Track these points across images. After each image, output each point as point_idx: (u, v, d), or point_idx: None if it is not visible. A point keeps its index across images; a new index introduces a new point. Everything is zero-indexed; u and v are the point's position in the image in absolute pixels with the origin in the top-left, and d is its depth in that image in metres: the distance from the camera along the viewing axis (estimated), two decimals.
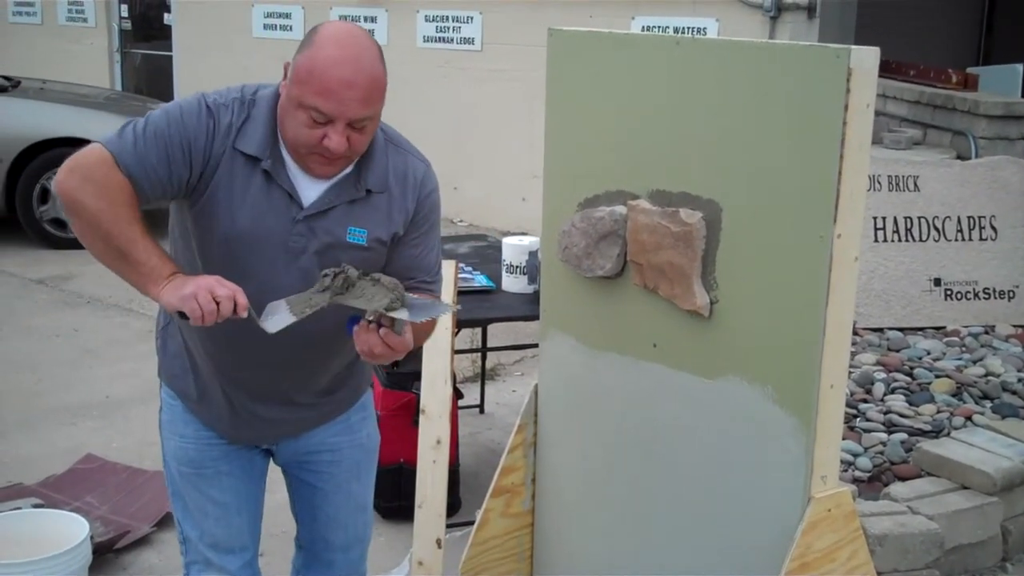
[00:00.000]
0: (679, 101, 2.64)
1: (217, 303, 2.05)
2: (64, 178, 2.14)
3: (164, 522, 3.72)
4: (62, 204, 2.18)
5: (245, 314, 2.10)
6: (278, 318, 2.14)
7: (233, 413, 2.41)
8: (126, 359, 5.46)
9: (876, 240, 5.11)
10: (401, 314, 2.15)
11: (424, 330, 2.36)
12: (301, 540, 2.67)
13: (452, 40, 9.01)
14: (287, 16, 10.16)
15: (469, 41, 8.90)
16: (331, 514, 2.63)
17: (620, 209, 2.81)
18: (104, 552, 3.39)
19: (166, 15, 11.48)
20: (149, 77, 12.14)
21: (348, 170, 2.29)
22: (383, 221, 2.35)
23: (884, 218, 5.17)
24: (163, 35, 11.60)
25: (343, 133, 2.16)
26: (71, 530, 2.91)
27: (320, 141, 2.16)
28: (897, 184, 5.27)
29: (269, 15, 10.29)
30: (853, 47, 2.29)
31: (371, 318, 2.13)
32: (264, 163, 2.22)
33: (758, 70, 2.46)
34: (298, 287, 2.22)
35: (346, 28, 2.23)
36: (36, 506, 3.57)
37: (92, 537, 2.93)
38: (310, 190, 2.27)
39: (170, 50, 11.32)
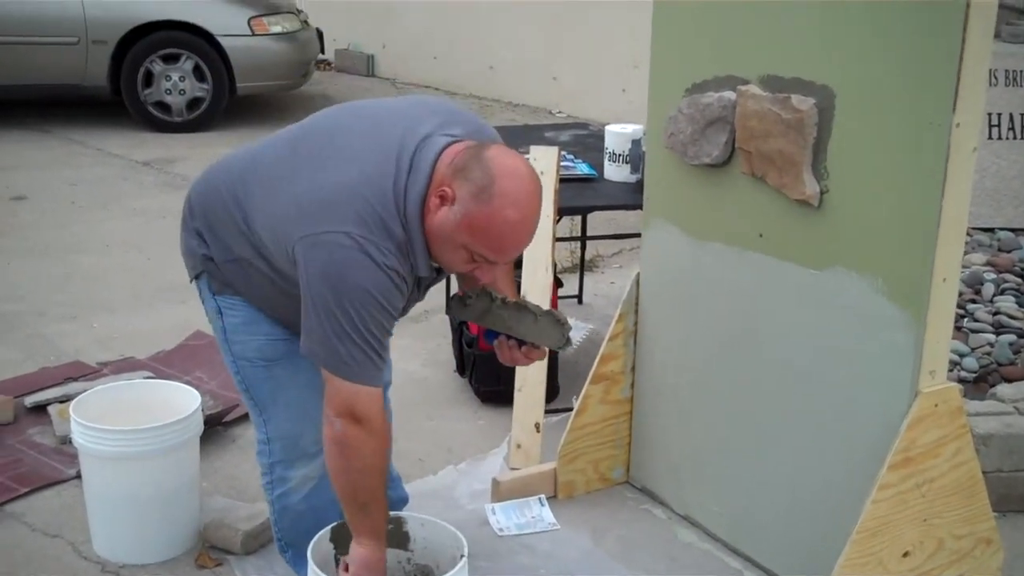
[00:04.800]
0: None
1: None
2: (351, 430, 2.20)
3: None
4: (335, 448, 2.24)
5: None
6: None
7: None
8: None
9: (990, 137, 4.94)
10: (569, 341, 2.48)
11: None
12: None
13: None
14: None
15: None
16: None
17: (729, 95, 2.76)
18: (214, 424, 3.49)
19: None
20: None
21: None
22: None
23: (999, 114, 4.99)
24: None
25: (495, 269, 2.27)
26: (183, 400, 2.99)
27: (471, 271, 2.24)
28: (1015, 79, 5.08)
29: None
30: None
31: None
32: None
33: None
34: None
35: (523, 183, 2.14)
36: (147, 379, 3.68)
37: (202, 409, 3.01)
38: None
39: None
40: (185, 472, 2.95)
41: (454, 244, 2.16)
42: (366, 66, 10.46)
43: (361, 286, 2.13)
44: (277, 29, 8.11)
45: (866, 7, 2.42)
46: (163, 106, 7.90)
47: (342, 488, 2.26)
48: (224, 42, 7.85)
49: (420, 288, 2.36)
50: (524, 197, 2.14)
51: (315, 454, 2.49)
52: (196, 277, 2.54)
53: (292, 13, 8.45)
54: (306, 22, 8.62)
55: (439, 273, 2.35)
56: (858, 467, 2.54)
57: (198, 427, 2.97)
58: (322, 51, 9.09)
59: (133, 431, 2.83)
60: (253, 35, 7.98)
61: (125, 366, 3.97)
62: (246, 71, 7.93)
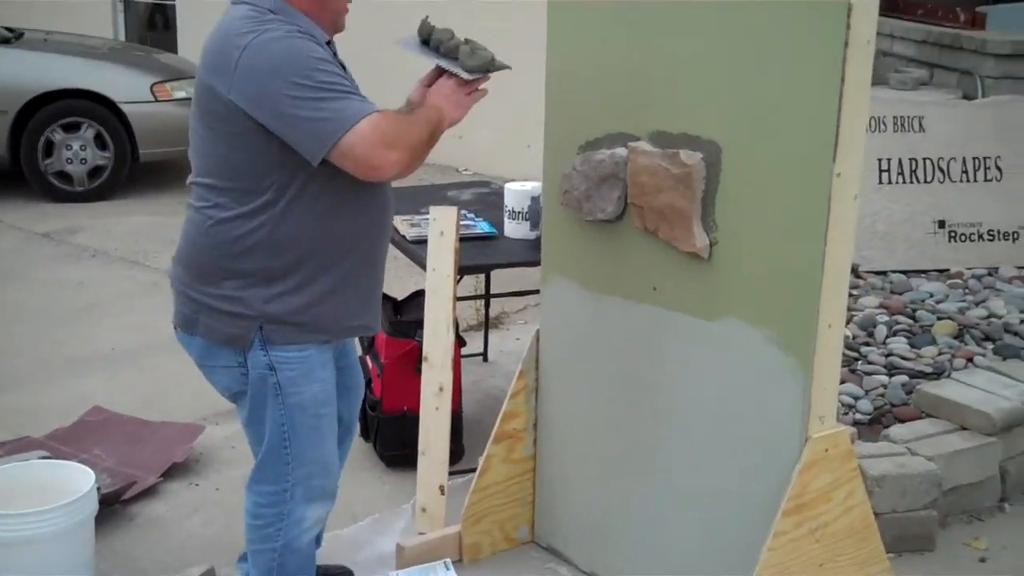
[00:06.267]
0: (679, 40, 2.63)
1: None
2: (384, 160, 2.35)
3: (170, 473, 3.74)
4: (403, 173, 2.42)
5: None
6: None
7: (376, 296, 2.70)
8: (133, 311, 5.46)
9: (880, 182, 5.08)
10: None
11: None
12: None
13: None
14: None
15: None
16: (358, 381, 2.94)
17: (621, 151, 2.80)
18: (111, 503, 3.41)
19: None
20: (152, 27, 12.06)
21: None
22: None
23: (888, 159, 5.13)
24: None
25: None
26: (77, 480, 2.91)
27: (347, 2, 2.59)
28: (902, 125, 5.23)
29: None
30: None
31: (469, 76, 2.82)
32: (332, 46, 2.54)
33: (757, 5, 2.44)
34: None
35: None
36: (43, 458, 3.58)
37: (99, 488, 2.93)
38: None
39: None
40: (79, 554, 2.87)
41: None
42: None
43: (287, 56, 2.34)
44: (181, 95, 8.02)
45: (747, 64, 2.48)
46: (64, 176, 7.77)
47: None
48: (126, 109, 7.77)
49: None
50: None
51: (334, 493, 2.75)
52: (250, 345, 2.52)
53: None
54: None
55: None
56: (755, 515, 2.56)
57: (92, 507, 2.90)
58: None
59: (22, 515, 2.75)
60: (156, 101, 7.91)
61: (20, 446, 3.86)
62: (149, 138, 7.84)
